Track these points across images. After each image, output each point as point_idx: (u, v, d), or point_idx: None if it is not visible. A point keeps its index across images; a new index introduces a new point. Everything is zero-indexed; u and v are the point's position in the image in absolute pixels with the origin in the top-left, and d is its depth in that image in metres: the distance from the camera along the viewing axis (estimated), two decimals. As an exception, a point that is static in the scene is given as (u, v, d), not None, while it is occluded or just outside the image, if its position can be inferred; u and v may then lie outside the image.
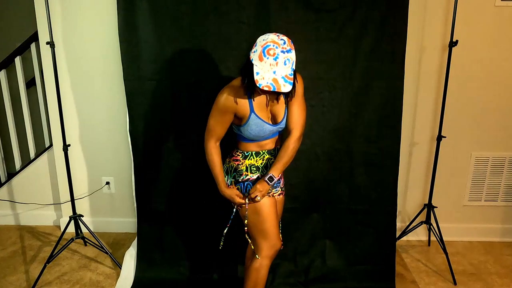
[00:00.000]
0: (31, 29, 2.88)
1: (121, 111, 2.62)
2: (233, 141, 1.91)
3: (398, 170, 2.36)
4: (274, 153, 1.89)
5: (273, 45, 1.54)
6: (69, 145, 2.53)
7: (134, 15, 2.20)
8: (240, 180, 1.84)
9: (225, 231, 1.90)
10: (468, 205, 2.85)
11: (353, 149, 2.35)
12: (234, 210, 1.89)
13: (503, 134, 2.70)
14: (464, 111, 2.65)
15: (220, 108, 1.72)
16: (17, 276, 2.46)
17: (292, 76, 1.58)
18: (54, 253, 2.43)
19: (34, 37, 2.85)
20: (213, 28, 2.20)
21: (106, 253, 2.54)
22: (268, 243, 1.83)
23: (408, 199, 2.83)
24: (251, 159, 1.85)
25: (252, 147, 1.84)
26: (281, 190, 2.00)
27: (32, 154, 3.05)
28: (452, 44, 2.35)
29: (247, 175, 1.84)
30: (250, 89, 1.65)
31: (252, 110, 1.72)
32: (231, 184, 1.86)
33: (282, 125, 1.82)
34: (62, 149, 2.48)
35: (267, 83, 1.53)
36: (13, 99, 3.00)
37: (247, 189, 1.83)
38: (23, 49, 2.92)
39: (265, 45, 1.55)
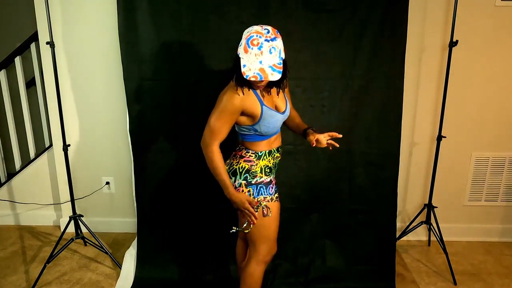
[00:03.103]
0: (31, 29, 2.88)
1: (121, 111, 2.62)
2: (232, 143, 1.88)
3: (398, 170, 2.37)
4: (281, 150, 1.88)
5: (257, 35, 1.53)
6: (69, 145, 2.53)
7: (134, 15, 2.20)
8: (253, 182, 1.76)
9: (248, 231, 1.78)
10: (468, 205, 2.85)
11: (353, 149, 2.36)
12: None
13: (503, 134, 2.70)
14: (464, 111, 2.65)
15: (228, 108, 1.65)
16: (17, 276, 2.46)
17: (281, 65, 1.56)
18: (54, 253, 2.43)
19: (34, 37, 2.85)
20: (213, 28, 2.20)
21: (106, 253, 2.54)
22: (267, 248, 1.82)
23: (408, 199, 2.83)
24: (264, 159, 1.79)
25: (264, 146, 1.79)
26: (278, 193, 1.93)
27: (32, 154, 3.05)
28: (452, 44, 2.35)
29: (261, 177, 1.78)
30: (240, 82, 1.63)
31: (262, 103, 1.68)
32: (239, 186, 1.77)
33: (287, 114, 1.81)
34: (62, 149, 2.48)
35: (254, 73, 1.52)
36: (13, 99, 3.00)
37: (260, 192, 1.77)
38: (23, 49, 2.92)
39: (248, 36, 1.54)
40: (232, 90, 1.66)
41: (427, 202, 2.64)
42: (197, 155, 1.96)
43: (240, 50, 1.57)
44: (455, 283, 2.41)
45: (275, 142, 1.83)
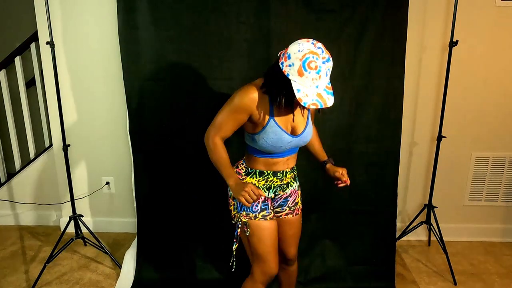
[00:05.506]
0: (31, 29, 2.88)
1: (121, 111, 2.62)
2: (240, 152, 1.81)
3: (398, 170, 2.36)
4: (282, 176, 1.72)
5: (313, 57, 1.40)
6: (69, 145, 2.53)
7: (134, 15, 2.20)
8: None
9: (234, 247, 1.69)
10: (468, 205, 2.85)
11: (353, 149, 2.35)
12: (238, 229, 1.69)
13: (503, 134, 2.70)
14: (464, 111, 2.65)
15: (236, 104, 1.54)
16: (17, 276, 2.46)
17: (331, 85, 1.45)
18: (54, 253, 2.43)
19: (34, 37, 2.85)
20: (213, 28, 2.20)
21: (106, 253, 2.54)
22: (260, 268, 1.67)
23: (408, 199, 2.83)
24: (253, 178, 1.69)
25: (258, 164, 1.67)
26: (290, 209, 1.81)
27: (32, 154, 3.05)
28: (452, 44, 2.35)
29: None
30: (288, 106, 1.50)
31: (271, 115, 1.54)
32: (229, 197, 1.70)
33: (304, 138, 1.65)
34: (62, 149, 2.48)
35: (313, 100, 1.40)
36: (13, 99, 3.00)
37: (243, 207, 1.66)
38: (23, 49, 2.92)
39: (304, 58, 1.39)
40: (248, 89, 1.54)
41: (427, 202, 2.64)
42: (197, 155, 1.97)
43: (292, 72, 1.41)
44: (455, 283, 2.41)
45: (278, 165, 1.68)
